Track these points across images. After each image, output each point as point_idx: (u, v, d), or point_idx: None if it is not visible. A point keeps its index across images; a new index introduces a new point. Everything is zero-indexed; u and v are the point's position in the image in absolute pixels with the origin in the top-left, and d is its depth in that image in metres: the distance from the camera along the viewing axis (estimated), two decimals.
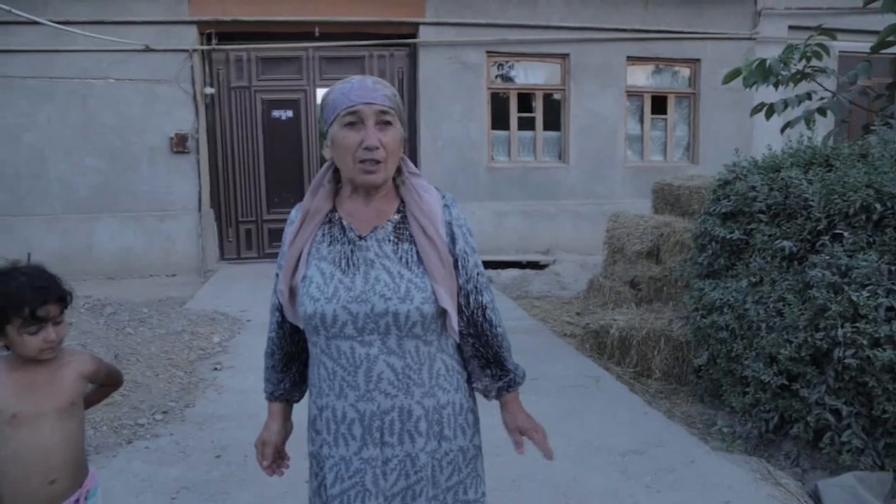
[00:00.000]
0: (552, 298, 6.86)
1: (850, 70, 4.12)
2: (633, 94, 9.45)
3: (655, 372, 4.36)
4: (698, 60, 9.40)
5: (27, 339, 1.54)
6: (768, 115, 4.07)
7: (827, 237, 3.05)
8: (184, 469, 3.09)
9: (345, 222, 1.43)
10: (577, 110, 9.14)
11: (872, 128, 3.96)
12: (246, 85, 8.70)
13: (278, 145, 8.82)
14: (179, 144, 8.24)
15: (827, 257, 2.96)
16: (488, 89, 8.99)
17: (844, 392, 2.87)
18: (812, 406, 2.93)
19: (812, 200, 3.17)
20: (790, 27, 9.31)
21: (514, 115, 9.16)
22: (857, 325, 2.75)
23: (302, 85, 8.78)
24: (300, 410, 1.62)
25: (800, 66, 4.05)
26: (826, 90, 4.11)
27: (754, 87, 4.09)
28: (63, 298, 1.60)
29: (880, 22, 4.00)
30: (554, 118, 9.31)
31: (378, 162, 1.36)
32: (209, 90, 8.41)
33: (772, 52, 4.15)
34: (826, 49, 4.00)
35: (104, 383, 1.86)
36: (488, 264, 8.14)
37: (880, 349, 2.68)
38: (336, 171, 1.46)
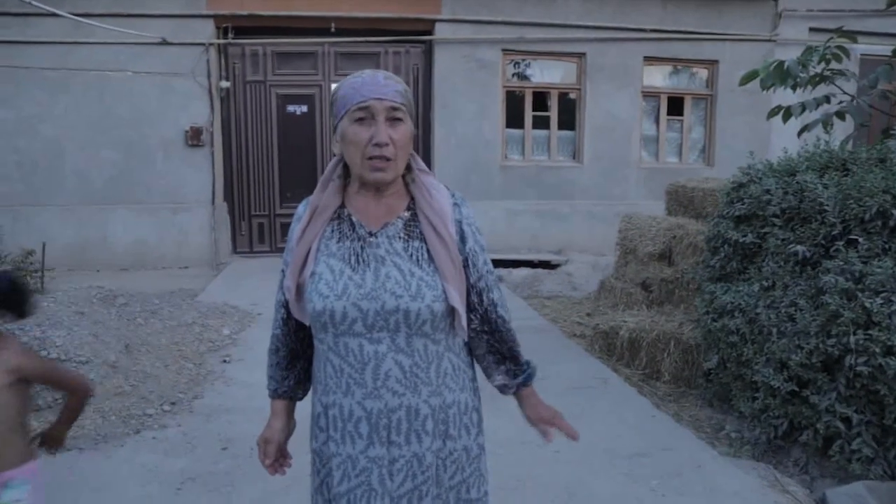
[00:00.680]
0: (563, 298, 6.83)
1: (872, 74, 4.05)
2: (650, 95, 9.38)
3: (664, 375, 4.33)
4: (716, 62, 9.31)
5: None
6: (785, 118, 4.01)
7: (841, 242, 3.01)
8: (190, 460, 3.11)
9: (354, 219, 1.42)
10: (592, 110, 9.09)
11: (892, 132, 3.90)
12: (261, 79, 8.73)
13: (292, 140, 8.85)
14: (194, 137, 8.29)
15: (841, 263, 2.92)
16: (503, 87, 8.96)
17: (855, 400, 2.83)
18: (822, 413, 2.89)
19: (827, 205, 3.13)
20: (811, 29, 9.19)
21: (528, 114, 9.13)
22: (870, 332, 2.71)
23: (317, 80, 8.80)
24: (303, 406, 1.61)
25: (819, 69, 3.99)
26: (845, 93, 4.05)
27: (772, 89, 4.03)
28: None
29: None
30: (569, 117, 9.26)
31: (388, 159, 1.35)
32: (225, 84, 8.46)
33: (792, 55, 4.08)
34: (846, 52, 3.93)
35: (49, 382, 1.85)
36: (500, 263, 8.13)
37: (893, 357, 2.65)
38: (345, 167, 1.45)
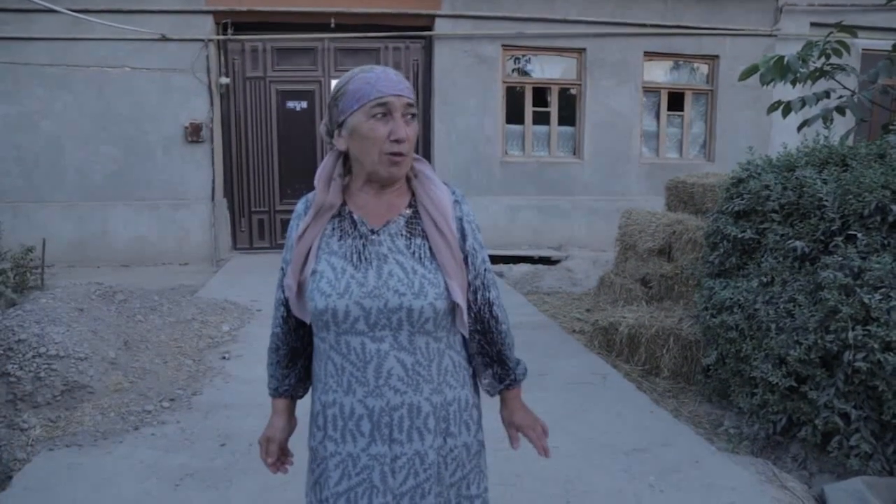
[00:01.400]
0: (563, 294, 6.83)
1: (873, 69, 4.04)
2: (650, 90, 9.36)
3: (663, 370, 4.33)
4: (717, 57, 9.29)
5: None
6: (785, 114, 4.00)
7: (840, 238, 3.00)
8: (189, 456, 3.11)
9: (356, 216, 1.41)
10: (592, 105, 9.08)
11: (892, 127, 3.88)
12: (261, 75, 8.72)
13: (292, 136, 8.85)
14: (194, 134, 8.29)
15: (840, 258, 2.91)
16: (503, 83, 8.95)
17: (854, 395, 2.83)
18: (820, 409, 2.89)
19: (826, 200, 3.13)
20: (812, 24, 9.16)
21: (528, 110, 9.11)
22: (869, 328, 2.70)
23: (317, 76, 8.79)
24: (303, 403, 1.61)
25: (819, 64, 3.98)
26: (846, 88, 4.03)
27: (772, 84, 4.02)
28: None
29: None
30: (569, 113, 9.25)
31: (403, 155, 1.36)
32: (224, 80, 8.45)
33: (793, 50, 4.06)
34: (846, 46, 3.91)
35: None
36: (500, 259, 8.14)
37: (891, 353, 2.64)
38: (345, 163, 1.44)
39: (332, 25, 8.45)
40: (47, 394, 3.51)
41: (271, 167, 8.89)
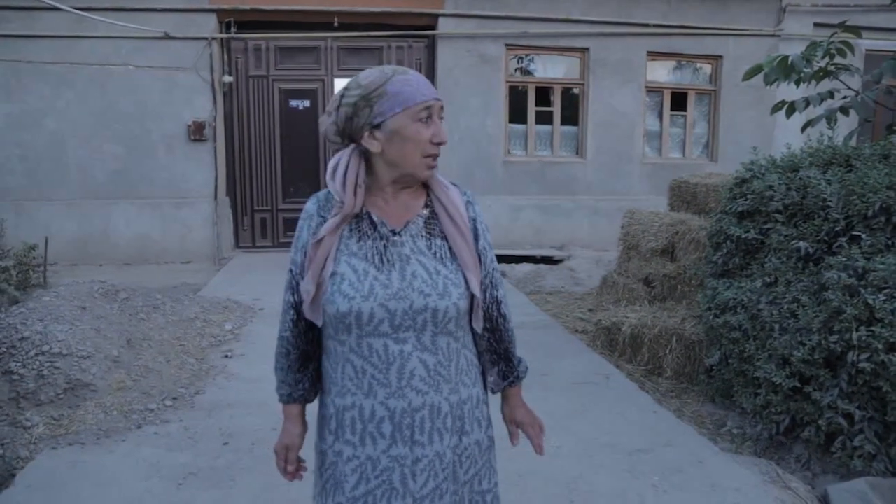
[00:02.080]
0: (565, 294, 6.82)
1: (877, 69, 4.03)
2: (653, 90, 9.35)
3: (666, 370, 4.32)
4: (720, 57, 9.27)
5: None
6: (789, 114, 3.98)
7: (844, 239, 3.00)
8: (192, 455, 3.12)
9: (374, 217, 1.40)
10: (595, 105, 9.06)
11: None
12: (264, 74, 8.72)
13: (295, 135, 8.85)
14: (197, 132, 8.29)
15: (844, 259, 2.91)
16: (506, 82, 8.94)
17: (858, 396, 2.82)
18: (824, 409, 2.89)
19: (830, 201, 3.12)
20: (815, 24, 9.14)
21: (531, 109, 9.11)
22: (873, 328, 2.70)
23: (320, 75, 8.79)
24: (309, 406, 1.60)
25: (823, 64, 3.97)
26: (850, 89, 4.02)
27: (775, 84, 4.01)
28: None
29: None
30: (572, 113, 9.24)
31: (437, 156, 1.41)
32: (227, 78, 8.45)
33: (796, 50, 4.05)
34: (851, 47, 3.90)
35: None
36: (502, 258, 8.13)
37: (895, 354, 2.64)
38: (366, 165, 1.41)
39: (336, 24, 8.45)
40: (50, 392, 3.52)
41: (274, 166, 8.89)
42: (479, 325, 1.45)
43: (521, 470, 2.89)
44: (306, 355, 1.52)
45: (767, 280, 3.33)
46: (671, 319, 4.51)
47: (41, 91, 7.99)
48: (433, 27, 8.67)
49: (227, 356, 4.53)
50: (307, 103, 8.84)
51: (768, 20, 9.27)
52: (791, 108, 3.97)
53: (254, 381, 4.04)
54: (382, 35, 8.68)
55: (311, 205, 1.48)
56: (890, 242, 2.92)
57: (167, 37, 8.05)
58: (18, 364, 3.55)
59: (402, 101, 1.34)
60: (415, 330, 1.35)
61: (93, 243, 8.17)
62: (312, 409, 1.57)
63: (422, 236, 1.41)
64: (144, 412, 3.56)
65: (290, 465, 1.55)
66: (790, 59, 3.78)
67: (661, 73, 9.44)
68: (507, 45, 8.81)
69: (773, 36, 9.22)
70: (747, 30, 9.17)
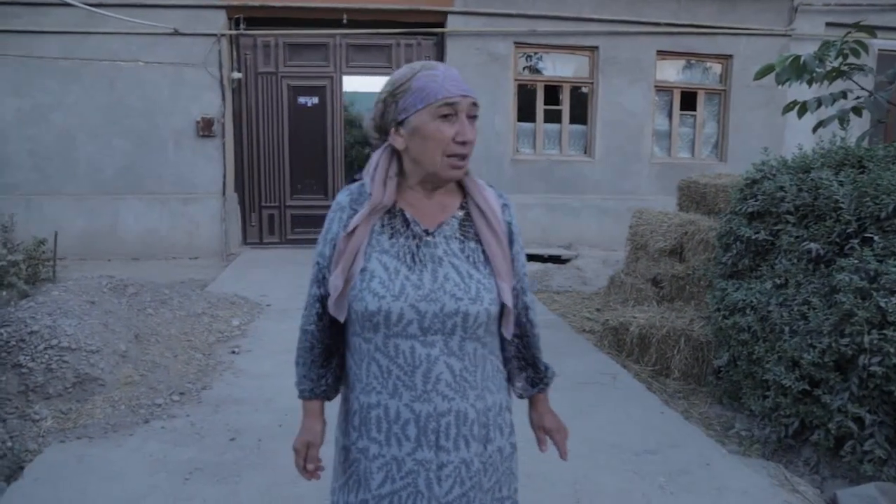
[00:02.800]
0: (573, 293, 6.80)
1: (890, 69, 3.99)
2: (662, 89, 9.31)
3: (674, 371, 4.30)
4: (730, 56, 9.22)
5: None
6: (800, 114, 3.95)
7: (856, 241, 2.97)
8: (198, 450, 3.12)
9: (408, 215, 1.37)
10: (604, 104, 9.03)
11: None
12: (273, 70, 8.72)
13: (303, 132, 8.85)
14: (205, 128, 8.31)
15: (855, 261, 2.88)
16: (515, 81, 8.92)
17: (868, 400, 2.80)
18: (834, 413, 2.86)
19: (842, 202, 3.09)
20: (828, 24, 9.08)
21: (540, 108, 9.08)
22: (885, 332, 2.67)
23: (328, 72, 8.79)
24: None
25: (836, 64, 3.93)
26: (863, 89, 3.99)
27: (787, 84, 3.97)
28: None
29: None
30: (581, 111, 9.20)
31: (466, 157, 1.33)
32: (236, 75, 8.46)
33: (808, 50, 4.02)
34: (864, 46, 3.87)
35: None
36: None
37: None
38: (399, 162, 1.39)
39: (345, 21, 8.44)
40: (59, 386, 3.53)
41: (282, 162, 8.90)
42: (509, 332, 1.41)
43: (528, 470, 2.86)
44: (329, 350, 1.47)
45: (777, 282, 3.30)
46: (679, 320, 4.49)
47: (50, 86, 8.02)
48: (442, 24, 8.65)
49: (234, 352, 4.54)
50: (315, 100, 8.84)
51: (779, 20, 9.20)
52: (803, 109, 3.94)
53: (261, 378, 4.05)
54: (391, 32, 8.67)
55: (342, 196, 1.43)
56: None
57: (176, 33, 8.07)
58: (27, 357, 3.57)
59: (424, 98, 1.30)
60: (443, 333, 1.32)
61: (101, 238, 8.20)
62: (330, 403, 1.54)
63: (455, 238, 1.37)
64: (152, 407, 3.56)
65: (311, 464, 1.50)
66: (802, 58, 3.75)
67: (671, 72, 9.39)
68: (516, 43, 8.78)
69: (784, 35, 9.16)
70: (758, 29, 9.11)
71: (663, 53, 9.13)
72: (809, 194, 3.30)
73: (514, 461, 1.51)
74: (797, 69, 3.77)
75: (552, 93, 9.14)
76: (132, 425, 3.36)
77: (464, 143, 1.31)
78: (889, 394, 2.72)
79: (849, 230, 3.06)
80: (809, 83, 3.91)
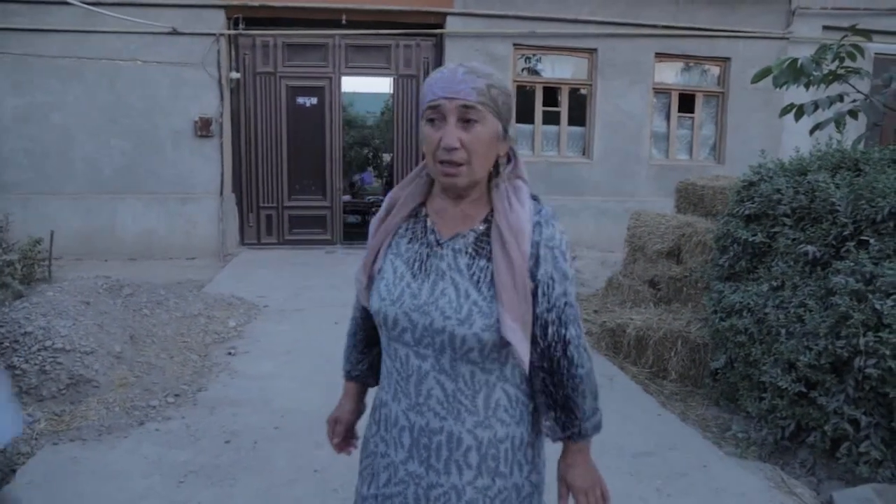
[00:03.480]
0: None
1: (886, 73, 3.99)
2: (661, 91, 9.31)
3: (671, 373, 4.30)
4: (728, 59, 9.23)
5: None
6: (797, 117, 3.95)
7: (852, 243, 2.97)
8: (193, 453, 3.11)
9: (429, 222, 1.34)
10: (603, 106, 9.03)
11: None
12: (271, 71, 8.72)
13: (302, 132, 8.84)
14: (204, 128, 8.29)
15: (851, 264, 2.88)
16: (514, 82, 8.91)
17: (864, 402, 2.80)
18: (830, 415, 2.86)
19: (839, 205, 3.09)
20: (825, 27, 9.09)
21: (538, 109, 9.08)
22: (881, 334, 2.67)
23: (327, 72, 8.78)
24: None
25: (833, 67, 3.93)
26: (859, 92, 3.99)
27: (784, 87, 3.98)
28: None
29: None
30: (579, 113, 9.21)
31: (458, 164, 1.23)
32: (235, 75, 8.45)
33: (805, 53, 4.02)
34: (861, 50, 3.87)
35: None
36: None
37: None
38: None
39: (344, 22, 8.44)
40: (52, 387, 3.52)
41: (280, 163, 8.89)
42: (522, 366, 1.27)
43: None
44: (370, 339, 1.52)
45: (774, 284, 3.30)
46: (676, 322, 4.49)
47: (49, 85, 8.00)
48: (441, 25, 8.65)
49: (230, 353, 4.53)
50: (314, 100, 8.83)
51: (777, 23, 9.22)
52: (800, 112, 3.94)
53: (257, 379, 4.04)
54: (390, 33, 8.67)
55: (389, 193, 1.43)
56: None
57: (175, 32, 8.06)
58: (21, 359, 3.56)
59: (421, 102, 1.28)
60: (434, 349, 1.27)
61: (98, 238, 8.19)
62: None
63: (466, 253, 1.28)
64: (146, 409, 3.55)
65: (336, 438, 1.57)
66: (800, 61, 3.75)
67: (669, 74, 9.40)
68: (514, 44, 8.79)
69: (782, 39, 9.17)
70: (756, 32, 9.13)
71: (662, 56, 9.14)
72: (806, 197, 3.30)
73: (537, 500, 1.39)
74: (794, 72, 3.77)
75: (551, 94, 9.14)
76: (126, 427, 3.35)
77: (447, 149, 1.22)
78: (884, 396, 2.72)
79: (845, 233, 3.06)
80: (807, 86, 3.91)
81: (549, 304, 1.28)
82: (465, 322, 1.23)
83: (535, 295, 1.27)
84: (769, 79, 3.90)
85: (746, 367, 3.40)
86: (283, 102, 8.78)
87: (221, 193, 8.47)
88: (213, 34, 8.19)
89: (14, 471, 2.96)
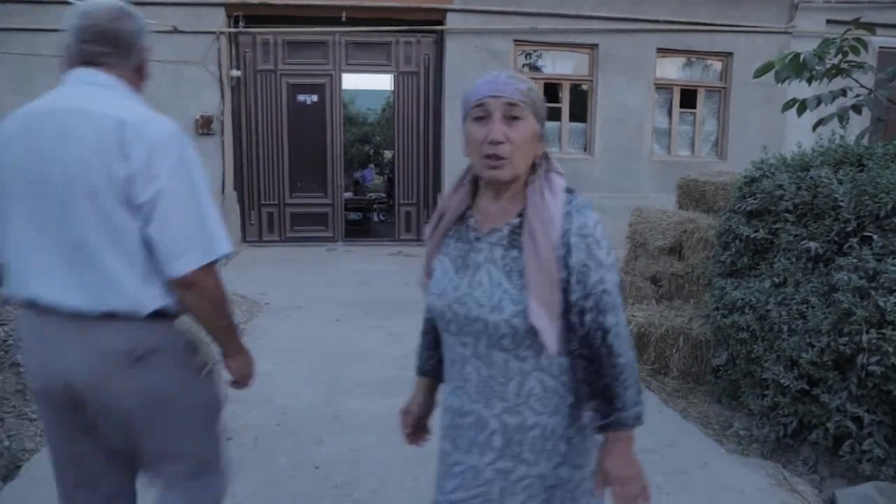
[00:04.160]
0: None
1: (890, 66, 3.97)
2: (662, 87, 9.29)
3: (673, 370, 4.29)
4: (731, 54, 9.20)
5: None
6: (800, 112, 3.94)
7: (855, 239, 2.96)
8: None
9: (472, 221, 1.43)
10: (604, 102, 9.02)
11: None
12: (272, 68, 8.71)
13: (303, 130, 8.84)
14: (204, 126, 8.30)
15: (854, 260, 2.87)
16: None
17: (867, 399, 2.79)
18: (833, 412, 2.85)
19: (841, 201, 3.08)
20: (828, 21, 9.06)
21: None
22: (884, 331, 2.66)
23: (328, 70, 8.78)
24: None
25: (835, 61, 3.92)
26: (862, 87, 3.97)
27: (787, 82, 3.96)
28: None
29: None
30: (580, 109, 9.19)
31: (502, 157, 1.31)
32: (235, 73, 8.45)
33: (808, 47, 3.99)
34: (864, 44, 3.85)
35: None
36: None
37: None
38: None
39: (344, 19, 8.43)
40: None
41: (281, 160, 8.89)
42: (551, 349, 1.31)
43: None
44: (440, 337, 1.57)
45: (776, 280, 3.29)
46: (678, 319, 4.48)
47: (50, 84, 7.94)
48: (441, 22, 8.64)
49: None
50: (315, 98, 8.83)
51: (780, 17, 9.18)
52: (802, 107, 3.92)
53: (258, 376, 4.00)
54: (391, 30, 8.66)
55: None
56: None
57: (176, 31, 8.05)
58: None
59: (465, 105, 1.39)
60: (472, 337, 1.37)
61: None
62: None
63: (501, 245, 1.36)
64: None
65: (405, 429, 1.66)
66: (802, 56, 3.73)
67: (671, 69, 9.38)
68: (515, 40, 8.77)
69: (784, 33, 9.14)
70: (758, 27, 9.10)
71: (663, 51, 9.12)
72: (808, 192, 3.28)
73: (562, 495, 1.40)
74: (797, 67, 3.75)
75: (552, 90, 9.13)
76: None
77: (493, 143, 1.31)
78: (888, 393, 2.71)
79: (848, 229, 3.05)
80: (809, 81, 3.90)
81: (585, 292, 1.32)
82: (496, 309, 1.32)
83: (569, 283, 1.31)
84: (772, 73, 3.89)
85: (748, 364, 3.39)
86: (283, 100, 8.78)
87: (223, 191, 8.47)
88: (214, 32, 8.19)
89: (19, 467, 2.96)
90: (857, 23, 3.73)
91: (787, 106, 4.11)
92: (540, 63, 9.14)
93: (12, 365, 3.53)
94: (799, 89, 4.62)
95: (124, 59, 1.74)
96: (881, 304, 2.67)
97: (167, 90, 8.19)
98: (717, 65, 9.41)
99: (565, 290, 1.31)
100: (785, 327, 3.09)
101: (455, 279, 1.39)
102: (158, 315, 1.56)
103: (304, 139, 8.87)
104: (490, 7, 8.60)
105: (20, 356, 3.56)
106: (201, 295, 1.58)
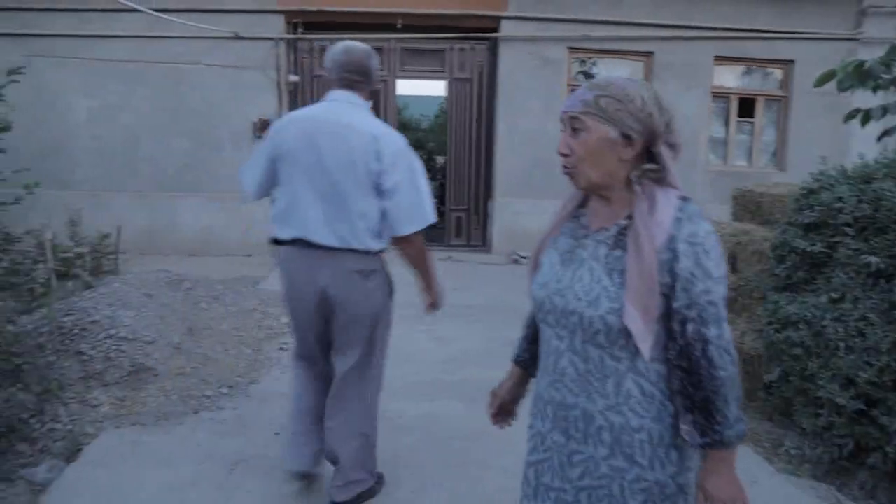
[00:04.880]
0: None
1: None
2: (719, 95, 9.08)
3: None
4: (792, 62, 8.93)
5: None
6: (864, 122, 3.80)
7: None
8: (243, 443, 3.21)
9: (583, 219, 1.50)
10: None
11: None
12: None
13: None
14: (262, 129, 8.52)
15: None
16: (568, 85, 8.85)
17: None
18: (892, 435, 2.75)
19: None
20: None
21: None
22: None
23: (382, 75, 8.90)
24: None
25: None
26: None
27: (850, 91, 3.83)
28: None
29: None
30: None
31: (568, 167, 1.42)
32: (293, 78, 8.65)
33: (876, 54, 3.86)
34: None
35: None
36: None
37: None
38: None
39: (399, 26, 8.54)
40: (116, 373, 3.69)
41: None
42: (645, 353, 1.31)
43: None
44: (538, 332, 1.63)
45: (833, 296, 3.19)
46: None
47: (117, 88, 8.37)
48: (495, 29, 8.66)
49: (282, 349, 4.64)
50: (370, 103, 8.95)
51: (845, 23, 8.87)
52: (866, 116, 3.79)
53: None
54: (445, 37, 8.73)
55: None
56: None
57: (237, 37, 8.31)
58: (88, 346, 3.74)
59: None
60: (568, 330, 1.41)
61: (160, 234, 8.51)
62: None
63: (606, 244, 1.40)
64: (201, 398, 3.68)
65: (490, 409, 1.76)
66: (867, 63, 3.61)
67: (729, 77, 9.16)
68: (569, 48, 8.72)
69: (850, 39, 8.82)
70: (822, 33, 8.80)
71: (721, 59, 8.91)
72: (870, 206, 3.17)
73: (682, 502, 1.39)
74: (860, 75, 3.63)
75: None
76: (182, 415, 3.48)
77: (561, 156, 1.43)
78: None
79: None
80: (874, 90, 3.76)
81: (689, 301, 1.31)
82: (592, 304, 1.35)
83: (674, 289, 1.31)
84: (834, 82, 3.76)
85: (802, 381, 3.29)
86: None
87: None
88: (273, 38, 8.42)
89: (80, 450, 3.12)
90: None
91: (850, 116, 3.97)
92: (595, 71, 9.06)
93: (76, 353, 3.71)
94: (865, 98, 4.46)
95: (368, 85, 2.72)
96: None
97: (227, 94, 8.47)
98: (778, 73, 9.15)
99: (668, 296, 1.32)
100: (842, 344, 2.99)
101: (559, 272, 1.45)
102: (376, 252, 2.46)
103: None
104: (544, 14, 8.58)
105: (84, 345, 3.73)
106: (414, 247, 2.50)
